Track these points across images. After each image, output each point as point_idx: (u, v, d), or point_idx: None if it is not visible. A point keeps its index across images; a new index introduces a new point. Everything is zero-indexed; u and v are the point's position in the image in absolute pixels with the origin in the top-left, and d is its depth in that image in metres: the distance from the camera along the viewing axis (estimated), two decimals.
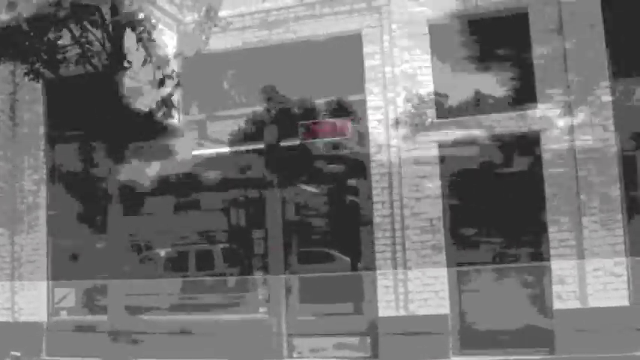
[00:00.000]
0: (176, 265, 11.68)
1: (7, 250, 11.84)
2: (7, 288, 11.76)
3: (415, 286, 9.66)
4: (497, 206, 9.70)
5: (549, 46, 9.42)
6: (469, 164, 9.92)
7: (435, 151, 9.80)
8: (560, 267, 9.12)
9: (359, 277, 10.33)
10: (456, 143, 9.78)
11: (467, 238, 9.87)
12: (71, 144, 11.94)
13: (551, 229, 9.22)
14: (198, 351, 10.39)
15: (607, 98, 9.13)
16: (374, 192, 10.02)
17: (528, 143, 9.51)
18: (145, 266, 11.75)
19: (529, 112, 9.49)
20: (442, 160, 9.81)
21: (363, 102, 10.24)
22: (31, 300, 11.62)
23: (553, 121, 9.33)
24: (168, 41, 9.93)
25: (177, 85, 8.32)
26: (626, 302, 8.87)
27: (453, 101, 10.05)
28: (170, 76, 7.94)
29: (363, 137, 10.24)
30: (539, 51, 9.47)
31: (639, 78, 9.26)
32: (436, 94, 9.93)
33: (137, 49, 7.99)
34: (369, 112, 10.15)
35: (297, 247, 10.66)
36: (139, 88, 8.95)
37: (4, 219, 11.93)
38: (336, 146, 10.44)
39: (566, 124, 9.27)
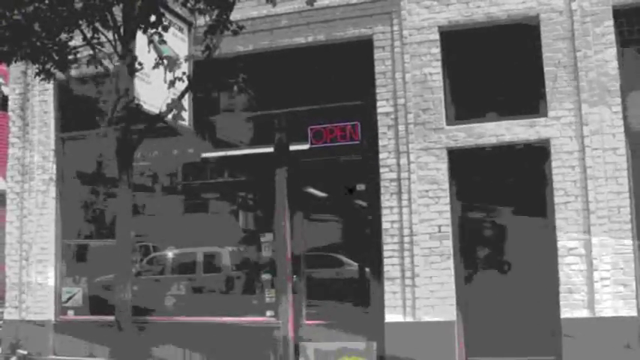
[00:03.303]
0: (183, 267, 11.70)
1: (15, 248, 11.94)
2: (15, 286, 11.85)
3: (422, 293, 9.65)
4: (505, 212, 9.72)
5: (560, 54, 9.41)
6: (479, 171, 9.91)
7: (444, 158, 9.80)
8: (568, 275, 9.10)
9: (366, 282, 10.33)
10: (466, 150, 9.78)
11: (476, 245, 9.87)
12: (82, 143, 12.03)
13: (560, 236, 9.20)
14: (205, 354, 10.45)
15: None
16: (383, 197, 10.01)
17: (538, 151, 9.49)
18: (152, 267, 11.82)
19: (539, 119, 9.47)
20: (452, 166, 9.81)
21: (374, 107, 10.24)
22: (38, 299, 11.70)
23: (563, 128, 9.32)
24: (179, 44, 9.96)
25: (188, 87, 8.31)
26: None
27: (463, 108, 10.04)
28: (181, 79, 7.94)
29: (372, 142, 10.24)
30: (550, 59, 9.46)
31: None
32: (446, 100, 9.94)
33: (149, 52, 8.00)
34: (379, 117, 10.15)
35: (304, 251, 10.65)
36: (150, 90, 9.00)
37: (14, 218, 12.00)
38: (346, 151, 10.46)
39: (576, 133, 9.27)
